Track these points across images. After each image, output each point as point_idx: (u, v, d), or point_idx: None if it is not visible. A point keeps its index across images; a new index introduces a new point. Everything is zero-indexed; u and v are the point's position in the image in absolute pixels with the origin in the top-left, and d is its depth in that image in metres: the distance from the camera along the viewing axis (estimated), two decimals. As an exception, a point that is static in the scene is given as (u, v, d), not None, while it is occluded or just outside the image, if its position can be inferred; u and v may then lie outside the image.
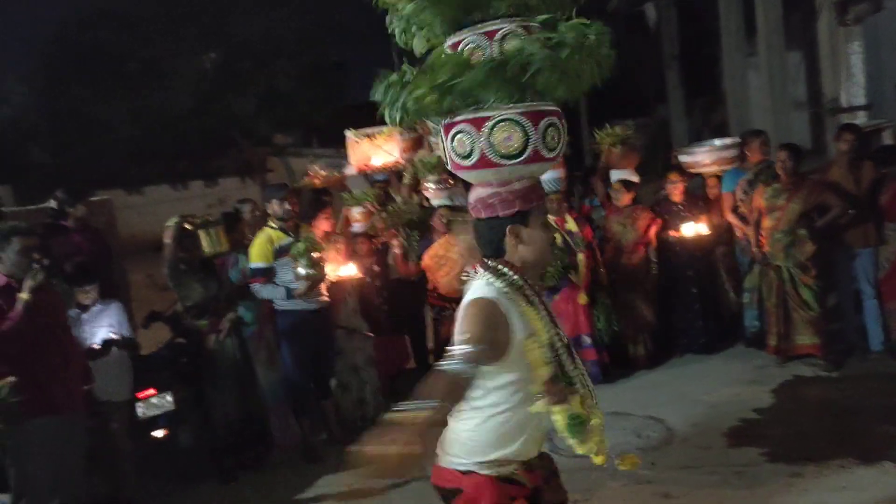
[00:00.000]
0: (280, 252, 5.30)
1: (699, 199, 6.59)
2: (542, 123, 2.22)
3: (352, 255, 5.97)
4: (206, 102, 19.32)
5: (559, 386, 2.19)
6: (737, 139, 6.74)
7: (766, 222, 5.76)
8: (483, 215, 2.28)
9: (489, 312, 2.15)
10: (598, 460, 2.31)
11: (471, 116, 2.23)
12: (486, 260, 2.29)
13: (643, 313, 6.30)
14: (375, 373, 5.94)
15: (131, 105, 19.63)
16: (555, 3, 2.35)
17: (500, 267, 2.24)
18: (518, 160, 2.21)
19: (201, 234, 5.10)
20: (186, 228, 5.03)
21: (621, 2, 14.42)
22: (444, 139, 2.32)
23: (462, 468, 2.24)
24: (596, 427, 2.26)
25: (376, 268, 6.28)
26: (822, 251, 5.76)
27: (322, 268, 5.30)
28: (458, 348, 2.08)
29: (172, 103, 19.10)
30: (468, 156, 2.25)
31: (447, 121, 2.29)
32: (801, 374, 5.74)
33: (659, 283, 6.43)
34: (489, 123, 2.20)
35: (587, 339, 5.96)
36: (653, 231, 6.34)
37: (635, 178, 6.53)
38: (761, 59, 9.88)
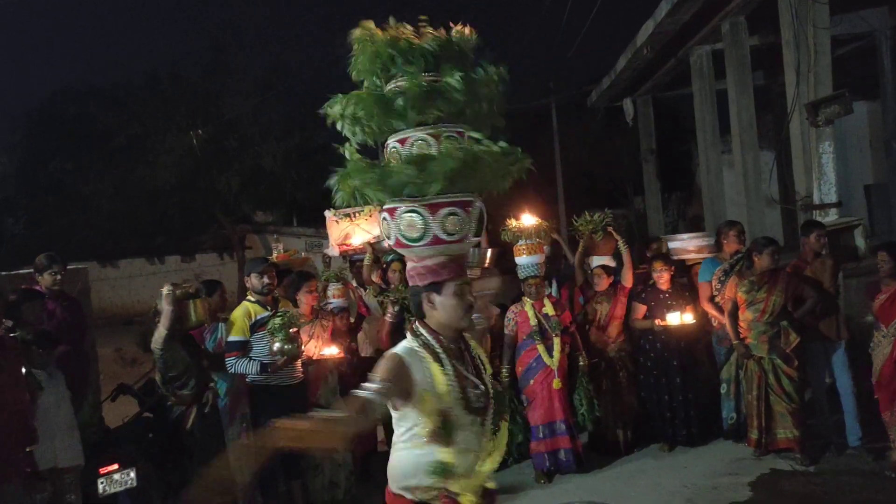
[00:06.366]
0: (257, 326, 5.25)
1: (686, 288, 6.59)
2: (442, 212, 2.61)
3: (334, 332, 5.89)
4: (190, 179, 19.38)
5: (439, 436, 2.58)
6: (713, 232, 6.90)
7: (748, 314, 5.78)
8: (409, 284, 2.77)
9: (393, 364, 2.60)
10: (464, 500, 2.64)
11: (387, 206, 2.69)
12: (413, 321, 2.77)
13: (625, 399, 6.27)
14: (351, 456, 5.79)
15: (114, 179, 19.63)
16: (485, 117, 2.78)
17: (416, 327, 2.71)
18: (421, 243, 2.63)
19: (189, 304, 5.03)
20: (178, 297, 4.97)
21: (600, 97, 14.91)
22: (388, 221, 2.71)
23: (394, 491, 2.68)
24: (469, 475, 2.63)
25: (354, 344, 6.21)
26: (801, 343, 5.79)
27: (299, 344, 5.23)
28: (368, 383, 2.51)
29: (156, 179, 19.11)
30: (389, 237, 2.72)
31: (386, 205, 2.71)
32: (779, 467, 5.70)
33: (644, 370, 6.38)
34: (398, 212, 2.64)
35: (561, 426, 5.82)
36: (621, 305, 6.33)
37: (613, 264, 6.59)
38: (735, 156, 10.20)
